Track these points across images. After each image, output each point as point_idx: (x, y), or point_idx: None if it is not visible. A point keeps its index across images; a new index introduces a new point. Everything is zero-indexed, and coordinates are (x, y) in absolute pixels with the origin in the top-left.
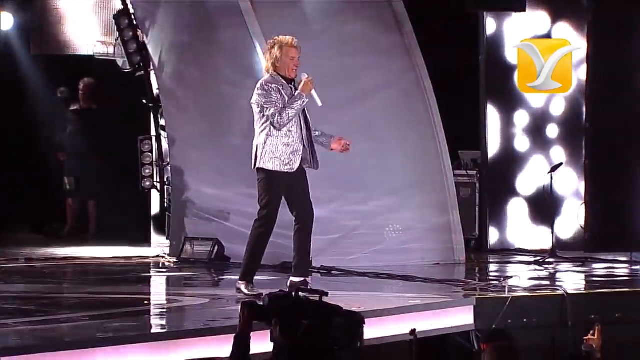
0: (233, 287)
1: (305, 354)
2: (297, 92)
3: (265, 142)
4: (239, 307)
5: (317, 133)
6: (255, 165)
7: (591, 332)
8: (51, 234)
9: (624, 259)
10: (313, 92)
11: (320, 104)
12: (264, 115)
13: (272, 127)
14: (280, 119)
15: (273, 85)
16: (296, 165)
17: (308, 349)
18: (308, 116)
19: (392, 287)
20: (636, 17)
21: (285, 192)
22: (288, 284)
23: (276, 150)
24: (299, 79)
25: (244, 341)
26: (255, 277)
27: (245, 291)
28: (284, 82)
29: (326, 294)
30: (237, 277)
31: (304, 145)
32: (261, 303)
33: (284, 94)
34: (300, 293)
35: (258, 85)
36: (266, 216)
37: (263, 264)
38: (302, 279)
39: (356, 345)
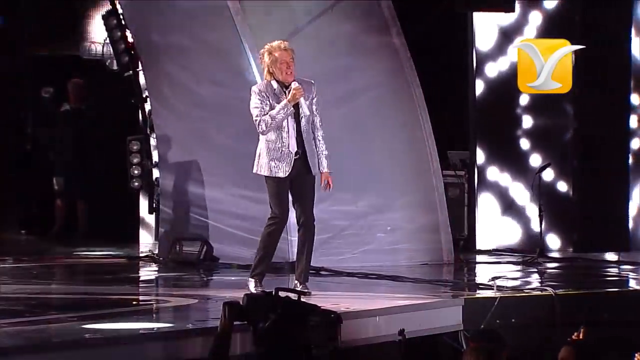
0: (222, 288)
1: (283, 353)
2: (284, 101)
3: (259, 147)
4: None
5: (324, 152)
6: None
7: (575, 333)
8: (40, 234)
9: (612, 259)
10: (302, 100)
11: (307, 113)
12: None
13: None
14: (264, 124)
15: (262, 92)
16: (287, 170)
17: (285, 348)
18: (304, 121)
19: (381, 288)
20: (625, 19)
21: (293, 194)
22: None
23: (268, 154)
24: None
25: (223, 341)
26: (244, 277)
27: (252, 289)
28: (279, 87)
29: (305, 294)
30: (248, 276)
31: (296, 151)
32: (241, 303)
33: (272, 100)
34: (280, 293)
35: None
36: (275, 216)
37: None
38: (302, 285)
39: (333, 345)
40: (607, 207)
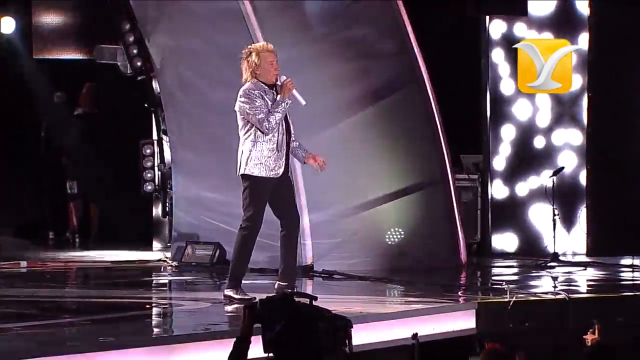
0: None
1: (293, 358)
2: (278, 97)
3: (251, 149)
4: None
5: (295, 144)
6: (240, 171)
7: (590, 330)
8: (52, 238)
9: (626, 263)
10: (294, 91)
11: (303, 102)
12: (248, 122)
13: (256, 134)
14: (268, 123)
15: (256, 92)
16: (281, 171)
17: (295, 353)
18: (290, 122)
19: (394, 291)
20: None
21: (271, 197)
22: (275, 288)
23: (262, 156)
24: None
25: (242, 345)
26: (257, 281)
27: (236, 297)
28: (266, 87)
29: (315, 298)
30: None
31: (283, 150)
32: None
33: (267, 99)
34: (294, 297)
35: (241, 92)
36: (252, 222)
37: (264, 268)
38: (287, 284)
39: (343, 350)
40: (622, 211)
